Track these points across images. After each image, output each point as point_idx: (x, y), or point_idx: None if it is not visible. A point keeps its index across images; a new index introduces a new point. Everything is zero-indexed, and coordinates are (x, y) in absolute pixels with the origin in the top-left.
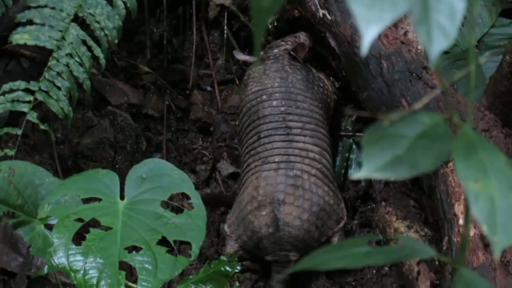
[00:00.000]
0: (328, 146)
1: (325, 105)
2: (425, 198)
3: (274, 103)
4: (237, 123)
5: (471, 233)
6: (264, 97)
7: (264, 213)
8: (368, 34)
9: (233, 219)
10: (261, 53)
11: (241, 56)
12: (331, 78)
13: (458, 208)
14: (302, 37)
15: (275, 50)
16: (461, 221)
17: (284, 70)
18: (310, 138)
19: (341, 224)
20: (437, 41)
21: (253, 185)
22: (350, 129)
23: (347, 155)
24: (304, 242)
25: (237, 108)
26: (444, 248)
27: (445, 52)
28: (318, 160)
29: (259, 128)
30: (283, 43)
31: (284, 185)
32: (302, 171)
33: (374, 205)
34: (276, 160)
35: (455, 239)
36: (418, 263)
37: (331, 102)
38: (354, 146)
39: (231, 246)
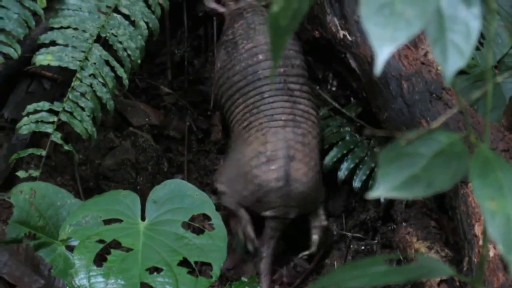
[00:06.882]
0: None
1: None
2: (446, 219)
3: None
4: (218, 82)
5: (491, 254)
6: (260, 57)
7: (274, 167)
8: (382, 53)
9: (229, 175)
10: (231, 4)
11: (212, 4)
12: None
13: (478, 229)
14: None
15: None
16: (481, 242)
17: None
18: (308, 101)
19: (320, 208)
20: (453, 60)
21: (259, 141)
22: None
23: None
24: (306, 201)
25: None
26: (465, 269)
27: (465, 73)
28: (317, 125)
29: (262, 88)
30: None
31: (293, 141)
32: (307, 131)
33: (394, 226)
34: (283, 118)
35: (475, 260)
36: (438, 284)
37: None
38: None
39: (229, 202)
